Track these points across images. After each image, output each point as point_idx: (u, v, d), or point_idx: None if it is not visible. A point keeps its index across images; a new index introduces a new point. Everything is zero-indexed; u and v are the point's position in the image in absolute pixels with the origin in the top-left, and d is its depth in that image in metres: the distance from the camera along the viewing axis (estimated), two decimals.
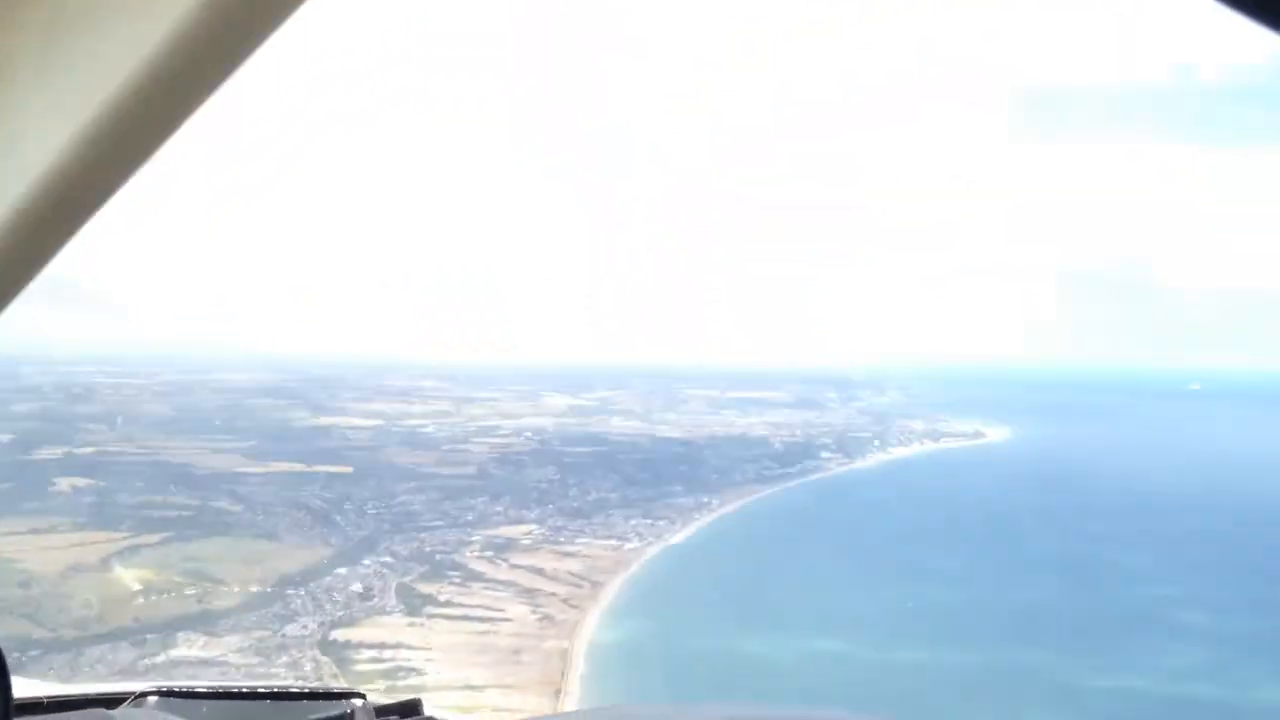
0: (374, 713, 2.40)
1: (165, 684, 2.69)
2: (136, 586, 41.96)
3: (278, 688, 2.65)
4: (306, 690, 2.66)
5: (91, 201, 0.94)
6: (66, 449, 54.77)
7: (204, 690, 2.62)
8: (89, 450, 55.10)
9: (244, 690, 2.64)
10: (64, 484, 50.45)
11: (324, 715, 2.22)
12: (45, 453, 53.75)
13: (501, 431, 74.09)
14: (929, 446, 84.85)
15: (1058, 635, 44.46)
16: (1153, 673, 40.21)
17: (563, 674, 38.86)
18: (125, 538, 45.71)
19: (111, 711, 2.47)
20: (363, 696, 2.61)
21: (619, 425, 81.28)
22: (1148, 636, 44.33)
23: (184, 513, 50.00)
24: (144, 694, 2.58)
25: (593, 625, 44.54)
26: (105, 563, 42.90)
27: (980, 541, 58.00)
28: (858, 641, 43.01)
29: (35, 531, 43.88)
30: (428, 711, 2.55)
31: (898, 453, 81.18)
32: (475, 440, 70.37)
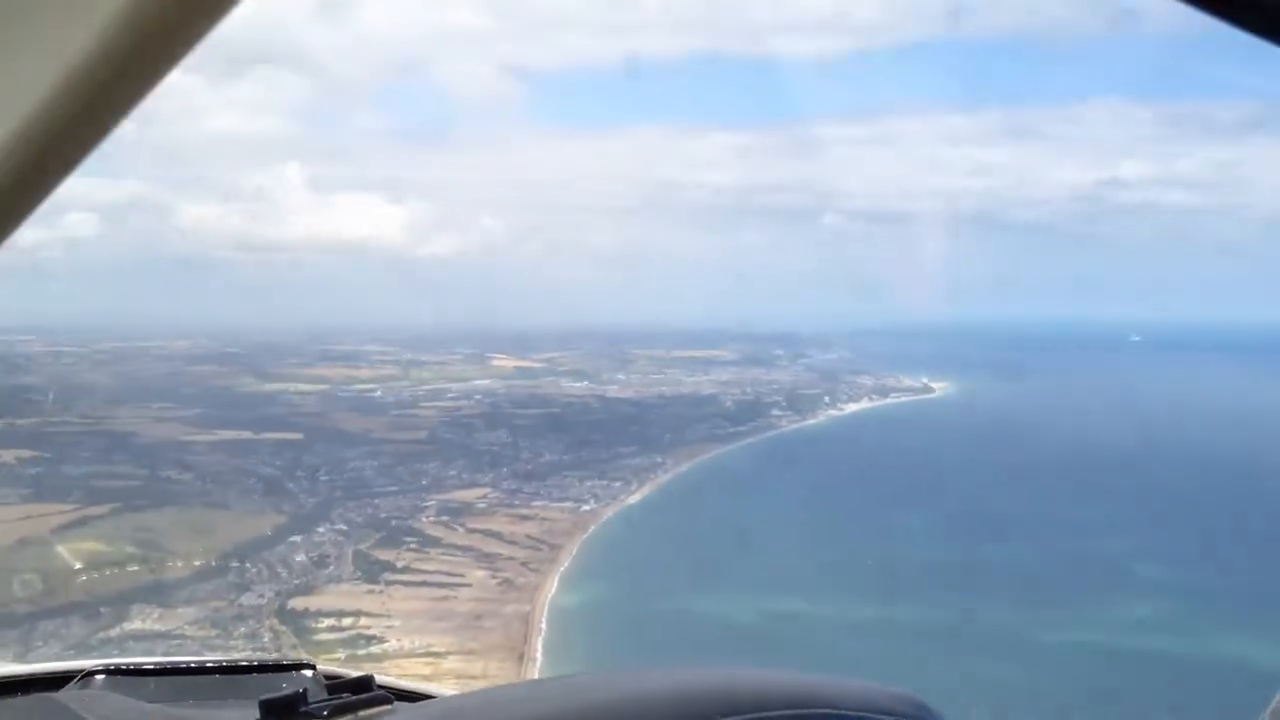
0: (325, 686, 2.35)
1: (112, 661, 2.63)
2: (87, 559, 41.16)
3: (226, 662, 2.66)
4: (255, 663, 2.66)
5: (30, 199, 0.93)
6: (7, 420, 53.49)
7: (151, 666, 2.62)
8: (31, 421, 53.80)
9: (192, 665, 2.65)
10: (7, 455, 49.29)
11: (277, 693, 2.10)
12: None
13: (450, 395, 73.41)
14: (878, 402, 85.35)
15: (1012, 590, 45.03)
16: (1107, 626, 40.86)
17: (525, 638, 38.76)
18: (73, 509, 44.78)
19: (57, 694, 2.43)
20: (313, 667, 2.61)
21: (568, 387, 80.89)
22: (1101, 590, 45.03)
23: (131, 483, 49.03)
24: (91, 672, 2.55)
25: (553, 588, 44.46)
26: (54, 535, 42.02)
27: (933, 497, 58.54)
28: (817, 600, 43.32)
29: None
30: (381, 682, 2.48)
31: (848, 409, 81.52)
32: (425, 404, 69.71)
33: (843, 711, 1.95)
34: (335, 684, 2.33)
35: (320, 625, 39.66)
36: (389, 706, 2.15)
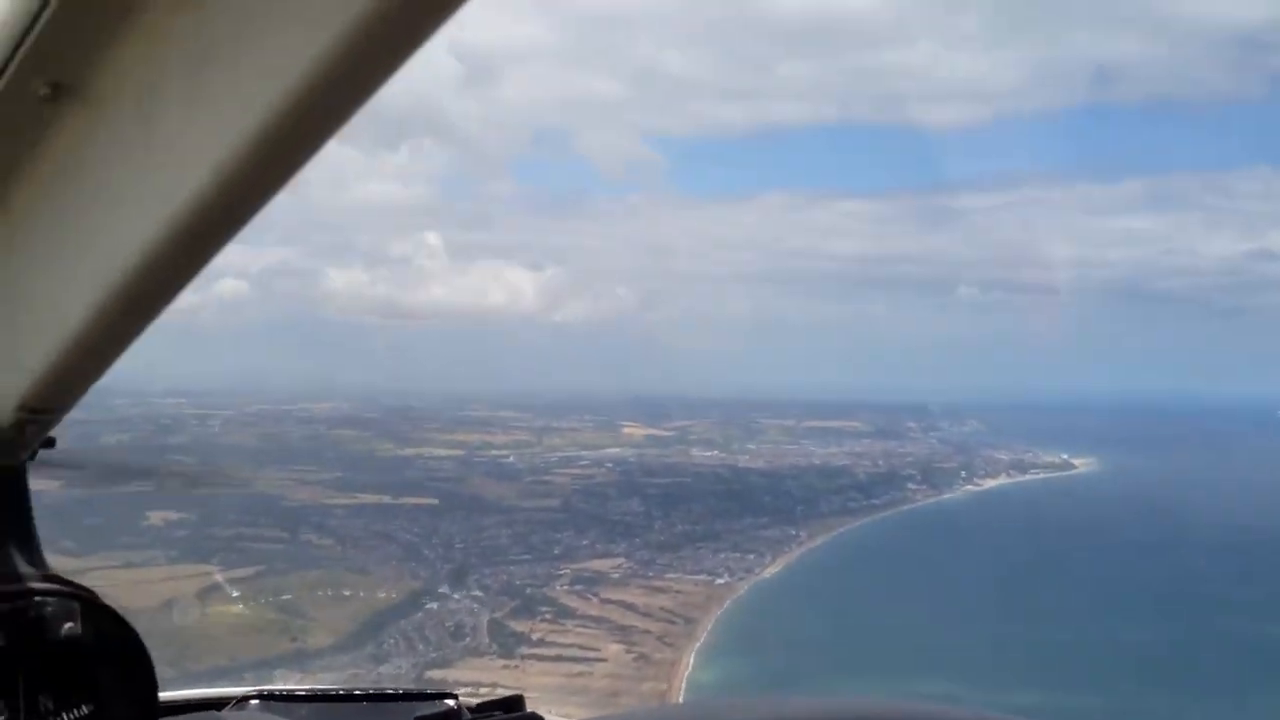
0: (476, 708, 2.40)
1: (265, 687, 2.72)
2: (230, 623, 41.59)
3: (373, 689, 2.74)
4: (401, 691, 2.74)
5: (236, 220, 0.97)
6: (156, 482, 54.69)
7: (303, 693, 2.70)
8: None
9: (340, 693, 2.73)
10: (155, 517, 50.36)
11: (430, 711, 2.25)
12: (137, 485, 53.69)
13: (582, 462, 73.36)
14: (1016, 478, 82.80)
15: (1175, 675, 42.64)
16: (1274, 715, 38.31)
17: None
18: (218, 571, 45.46)
19: (219, 713, 2.53)
20: (455, 696, 2.65)
21: (699, 456, 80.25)
22: (1267, 677, 42.34)
23: (275, 546, 49.77)
24: (246, 697, 2.62)
25: (689, 665, 43.51)
26: (199, 597, 42.61)
27: (1080, 577, 56.15)
28: (967, 683, 41.43)
29: (129, 565, 43.75)
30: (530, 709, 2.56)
31: (986, 484, 79.22)
32: (557, 471, 69.76)
33: None
34: (486, 703, 2.38)
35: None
36: None
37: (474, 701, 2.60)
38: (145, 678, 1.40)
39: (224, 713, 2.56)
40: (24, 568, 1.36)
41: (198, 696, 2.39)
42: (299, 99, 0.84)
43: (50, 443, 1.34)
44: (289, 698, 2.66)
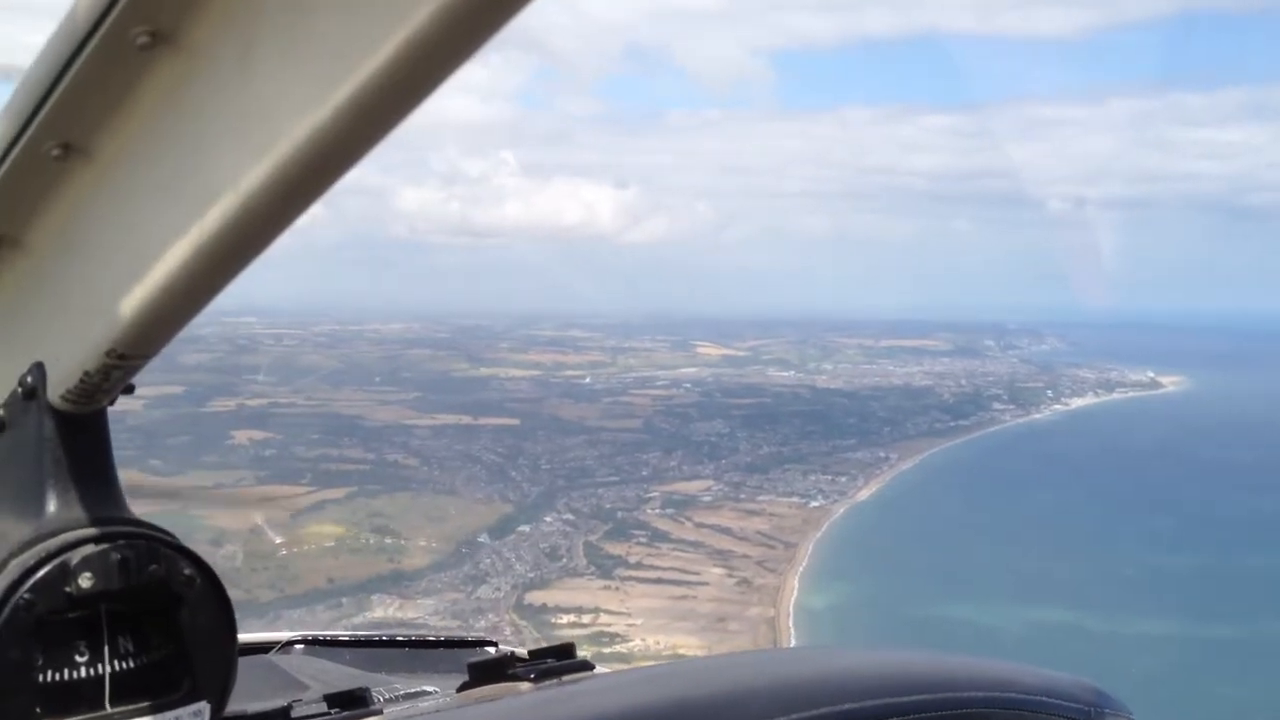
0: (529, 654, 2.31)
1: (309, 633, 2.69)
2: (328, 544, 40.67)
3: (415, 636, 2.73)
4: (443, 639, 2.72)
5: (323, 180, 1.01)
6: (238, 400, 53.95)
7: (346, 638, 2.71)
8: (260, 402, 54.19)
9: (383, 638, 2.74)
10: (241, 436, 49.52)
11: (483, 657, 2.24)
12: (218, 404, 52.96)
13: (660, 383, 72.12)
14: (1104, 397, 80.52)
15: None
16: None
17: (774, 644, 36.34)
18: (309, 492, 44.51)
19: (268, 655, 2.54)
20: (495, 644, 2.61)
21: (775, 376, 78.87)
22: None
23: (362, 467, 48.81)
24: (290, 642, 2.63)
25: (794, 590, 42.10)
26: (294, 519, 41.65)
27: (1185, 501, 54.06)
28: (1085, 611, 39.80)
29: (219, 485, 42.77)
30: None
31: (1073, 403, 77.04)
32: (635, 392, 68.55)
33: (1024, 695, 2.02)
34: (539, 650, 2.29)
35: (561, 621, 38.18)
36: (591, 672, 2.18)
37: (522, 651, 2.36)
38: (225, 621, 1.35)
39: (271, 655, 2.55)
40: (107, 511, 1.33)
41: (244, 641, 1.90)
42: (401, 54, 0.86)
43: (130, 389, 1.31)
44: (333, 643, 2.67)
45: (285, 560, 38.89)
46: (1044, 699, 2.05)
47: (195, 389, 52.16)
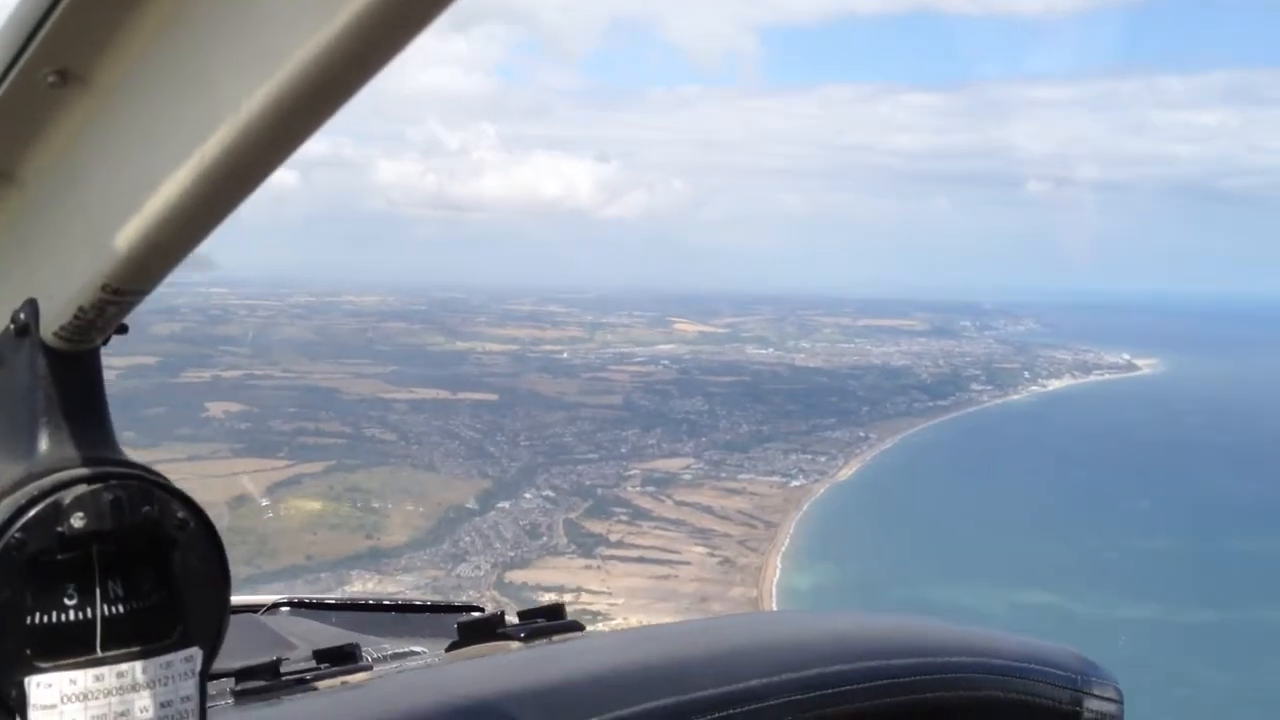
0: (518, 615, 2.32)
1: (295, 595, 2.71)
2: (306, 519, 40.05)
3: (401, 600, 2.75)
4: (429, 603, 2.73)
5: (326, 106, 0.99)
6: (213, 372, 53.09)
7: (333, 601, 2.74)
8: (235, 374, 53.35)
9: (369, 602, 2.75)
10: (215, 409, 48.70)
11: (472, 618, 2.26)
12: (192, 375, 52.08)
13: (638, 359, 71.66)
14: (1080, 379, 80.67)
15: (1272, 584, 40.64)
16: None
17: None
18: (286, 465, 43.84)
19: (255, 615, 2.56)
20: (482, 609, 2.59)
21: (754, 354, 78.64)
22: None
23: (339, 441, 48.16)
24: (277, 604, 2.66)
25: (776, 570, 41.83)
26: (270, 492, 40.99)
27: (1164, 483, 54.20)
28: (1068, 594, 39.71)
29: (195, 459, 41.97)
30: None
31: (1050, 385, 77.09)
32: (613, 368, 68.02)
33: (1012, 663, 2.06)
34: (528, 611, 2.28)
35: (542, 600, 37.55)
36: (580, 632, 2.20)
37: (511, 616, 2.34)
38: (219, 566, 1.32)
39: (259, 616, 2.56)
40: (100, 451, 1.28)
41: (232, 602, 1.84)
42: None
43: (123, 328, 1.29)
44: (320, 605, 2.69)
45: (263, 535, 38.25)
46: (1032, 666, 2.09)
47: (169, 359, 51.29)
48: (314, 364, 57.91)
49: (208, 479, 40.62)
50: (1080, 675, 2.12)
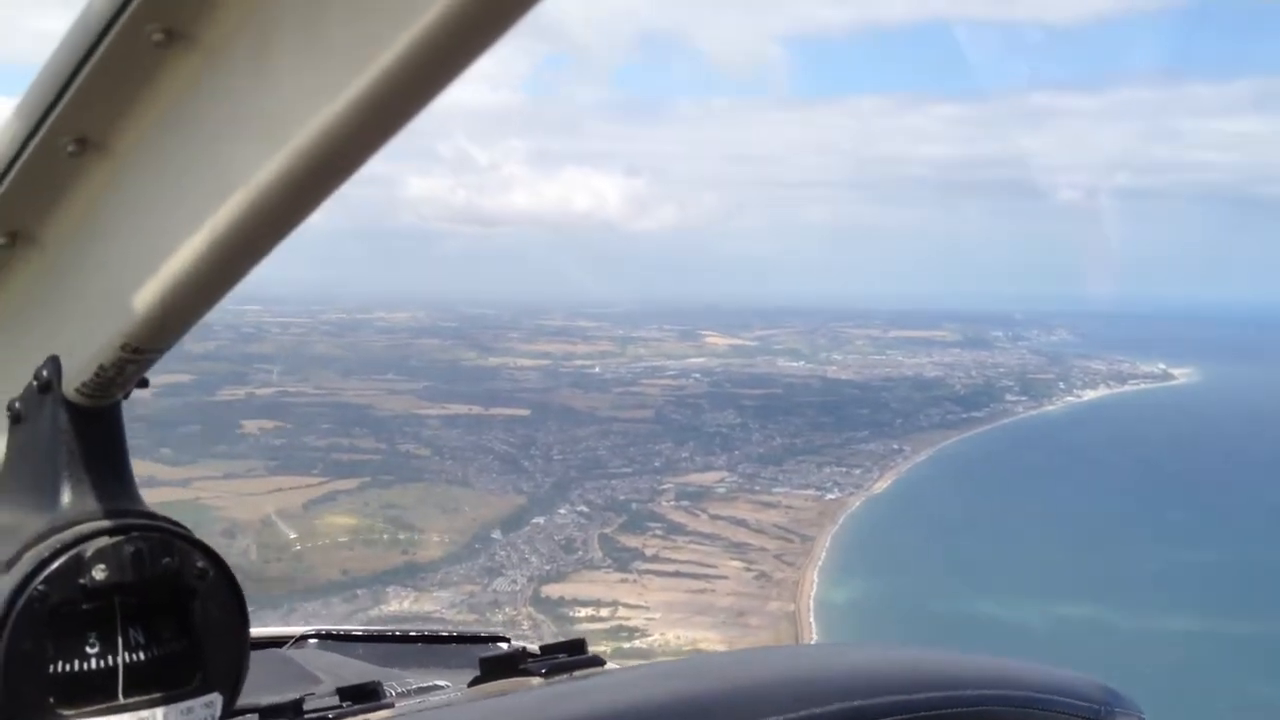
0: (540, 650, 2.34)
1: (322, 627, 2.71)
2: (341, 536, 40.05)
3: (428, 631, 2.75)
4: (455, 634, 2.75)
5: (337, 175, 1.03)
6: (247, 390, 53.32)
7: (360, 633, 2.76)
8: (269, 391, 53.56)
9: (396, 633, 2.76)
10: (251, 426, 48.88)
11: (494, 651, 2.36)
12: (227, 393, 52.32)
13: (669, 372, 71.49)
14: (1116, 389, 79.90)
15: None
16: None
17: (796, 640, 35.75)
18: (320, 482, 43.91)
19: (281, 650, 2.56)
20: (508, 640, 2.65)
21: (785, 366, 78.21)
22: None
23: (373, 457, 48.19)
24: (304, 636, 2.66)
25: (813, 584, 41.50)
26: (306, 510, 41.06)
27: (1206, 494, 53.57)
28: (1112, 607, 39.19)
29: (230, 476, 42.15)
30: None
31: (1085, 395, 76.39)
32: (645, 381, 67.94)
33: (1035, 694, 2.04)
34: (550, 646, 2.32)
35: (579, 614, 37.59)
36: (601, 668, 2.20)
37: (533, 646, 2.41)
38: (238, 613, 1.40)
39: (285, 650, 2.58)
40: (121, 503, 1.36)
41: (258, 635, 2.06)
42: (413, 51, 0.88)
43: (144, 382, 1.36)
44: (347, 637, 2.70)
45: (299, 552, 38.29)
46: (1055, 697, 2.07)
47: (205, 378, 51.58)
48: (346, 381, 58.10)
49: (244, 496, 40.92)
50: (1104, 705, 2.13)
